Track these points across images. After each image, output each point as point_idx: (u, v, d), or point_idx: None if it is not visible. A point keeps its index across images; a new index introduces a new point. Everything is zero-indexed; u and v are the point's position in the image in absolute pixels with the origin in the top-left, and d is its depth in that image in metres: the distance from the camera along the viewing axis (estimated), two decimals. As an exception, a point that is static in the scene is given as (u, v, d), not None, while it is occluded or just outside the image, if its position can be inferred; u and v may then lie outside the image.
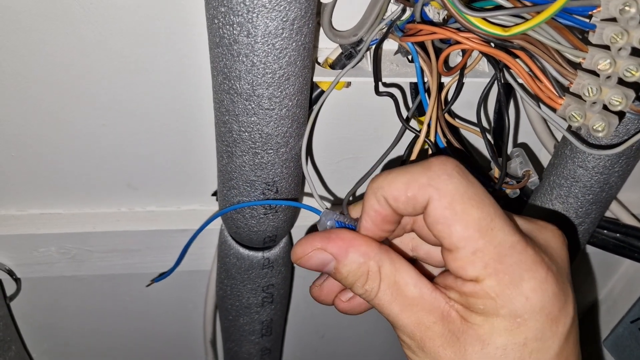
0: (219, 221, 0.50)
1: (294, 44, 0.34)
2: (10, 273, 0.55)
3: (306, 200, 0.55)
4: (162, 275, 0.53)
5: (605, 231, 0.57)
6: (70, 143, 0.48)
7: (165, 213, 0.55)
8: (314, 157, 0.53)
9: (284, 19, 0.33)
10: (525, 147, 0.57)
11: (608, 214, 0.59)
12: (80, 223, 0.53)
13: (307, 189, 0.55)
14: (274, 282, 0.51)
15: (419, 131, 0.39)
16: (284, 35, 0.34)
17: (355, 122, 0.51)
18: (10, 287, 0.57)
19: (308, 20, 0.34)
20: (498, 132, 0.53)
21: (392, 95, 0.40)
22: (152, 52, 0.43)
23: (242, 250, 0.48)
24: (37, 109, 0.45)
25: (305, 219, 0.53)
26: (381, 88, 0.40)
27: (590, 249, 0.66)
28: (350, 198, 0.36)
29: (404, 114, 0.41)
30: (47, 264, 0.55)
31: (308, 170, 0.40)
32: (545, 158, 0.57)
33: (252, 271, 0.49)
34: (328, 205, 0.56)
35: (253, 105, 0.37)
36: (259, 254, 0.48)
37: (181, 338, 0.69)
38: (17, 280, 0.56)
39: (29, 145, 0.48)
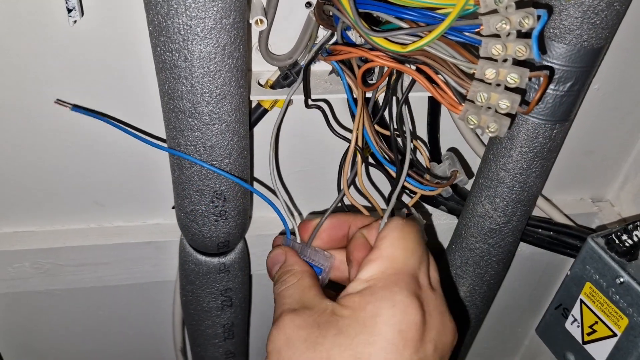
0: (178, 232, 0.54)
1: (226, 66, 0.40)
2: (-13, 289, 0.59)
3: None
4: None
5: (539, 230, 0.62)
6: (39, 165, 0.53)
7: (132, 227, 0.60)
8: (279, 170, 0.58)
9: (216, 45, 0.38)
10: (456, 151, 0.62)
11: (542, 214, 0.64)
12: (52, 239, 0.58)
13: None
14: (231, 286, 0.55)
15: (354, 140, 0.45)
16: (217, 59, 0.39)
17: (301, 136, 0.56)
18: (-14, 303, 0.61)
19: (238, 45, 0.39)
20: (432, 141, 0.58)
21: (320, 108, 0.45)
22: (111, 78, 0.48)
23: (199, 256, 0.52)
24: (6, 135, 0.50)
25: (258, 228, 0.58)
26: (310, 102, 0.45)
27: (534, 251, 0.71)
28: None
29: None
30: (22, 279, 0.59)
31: (275, 180, 0.46)
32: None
33: (210, 276, 0.53)
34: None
35: (195, 122, 0.42)
36: (215, 260, 0.53)
37: (153, 347, 0.73)
38: (-7, 296, 0.60)
39: (0, 169, 0.53)
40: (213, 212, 0.48)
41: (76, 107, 0.45)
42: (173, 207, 0.57)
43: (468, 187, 0.60)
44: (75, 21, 0.42)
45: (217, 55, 0.39)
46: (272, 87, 0.49)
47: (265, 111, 0.50)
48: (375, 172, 0.60)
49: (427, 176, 0.52)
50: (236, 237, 0.51)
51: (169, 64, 0.39)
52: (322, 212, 0.61)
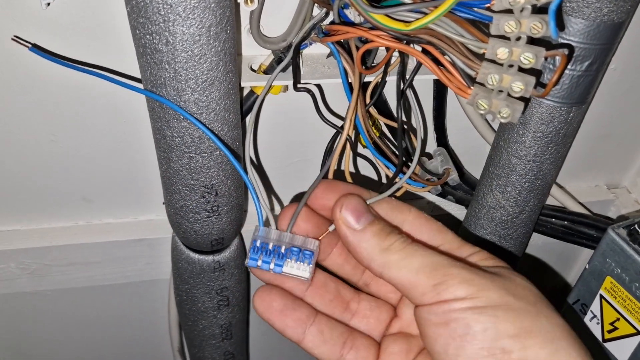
0: (170, 229, 0.51)
1: (212, 49, 0.36)
2: (-28, 291, 0.56)
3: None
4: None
5: (553, 219, 0.58)
6: (20, 159, 0.50)
7: (122, 224, 0.57)
8: (261, 163, 0.55)
9: (200, 27, 0.35)
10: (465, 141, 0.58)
11: (556, 202, 0.61)
12: (38, 238, 0.55)
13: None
14: (227, 284, 0.52)
15: (341, 127, 0.41)
16: (201, 41, 0.35)
17: (298, 125, 0.53)
18: (-28, 306, 0.58)
19: (225, 26, 0.36)
20: (438, 127, 0.55)
21: (309, 91, 0.42)
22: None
23: (192, 254, 0.49)
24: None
25: (255, 222, 0.55)
26: (299, 85, 0.42)
27: (546, 240, 0.68)
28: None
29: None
30: (8, 281, 0.56)
31: (254, 176, 0.42)
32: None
33: (204, 275, 0.50)
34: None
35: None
36: (210, 258, 0.49)
37: (150, 348, 0.70)
38: (-21, 299, 0.57)
39: (-20, 164, 0.50)
40: (204, 208, 0.44)
41: (34, 48, 0.41)
42: (164, 203, 0.54)
43: (477, 175, 0.57)
44: (48, 3, 0.39)
45: (201, 37, 0.35)
46: (266, 72, 0.46)
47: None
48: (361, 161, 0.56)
49: (419, 171, 0.49)
50: (231, 233, 0.48)
51: (150, 48, 0.36)
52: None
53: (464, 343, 0.28)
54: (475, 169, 0.59)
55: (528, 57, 0.33)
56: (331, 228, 0.35)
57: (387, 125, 0.49)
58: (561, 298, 0.76)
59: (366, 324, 0.36)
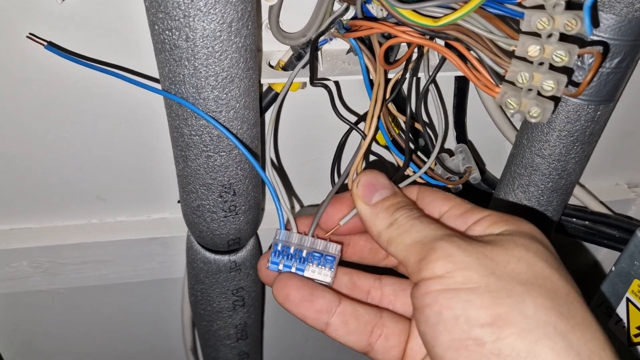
0: (185, 227, 0.50)
1: (233, 46, 0.35)
2: (-16, 290, 0.56)
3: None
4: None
5: (574, 219, 0.57)
6: (34, 156, 0.49)
7: (136, 222, 0.56)
8: (280, 161, 0.54)
9: (221, 22, 0.34)
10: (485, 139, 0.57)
11: (577, 202, 0.60)
12: (51, 236, 0.54)
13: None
14: (243, 285, 0.51)
15: (354, 123, 0.40)
16: (222, 37, 0.34)
17: (316, 122, 0.52)
18: (-16, 304, 0.57)
19: (246, 22, 0.35)
20: (459, 125, 0.54)
21: (326, 87, 0.41)
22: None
23: (208, 254, 0.48)
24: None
25: (272, 221, 0.54)
26: (316, 80, 0.41)
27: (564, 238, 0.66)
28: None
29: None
30: (21, 279, 0.55)
31: (274, 175, 0.41)
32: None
33: (220, 275, 0.49)
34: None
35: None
36: (226, 258, 0.49)
37: (162, 347, 0.69)
38: (-9, 297, 0.57)
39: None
40: (222, 208, 0.44)
41: (50, 46, 0.40)
42: (179, 202, 0.53)
43: (496, 173, 0.56)
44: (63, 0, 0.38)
45: (222, 33, 0.34)
46: (285, 68, 0.45)
47: (277, 95, 0.46)
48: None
49: (439, 169, 0.48)
50: (247, 233, 0.47)
51: (169, 44, 0.35)
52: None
53: (436, 333, 0.26)
54: (494, 167, 0.58)
55: (560, 54, 0.32)
56: (342, 222, 0.34)
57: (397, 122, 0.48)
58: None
59: (393, 309, 0.34)
